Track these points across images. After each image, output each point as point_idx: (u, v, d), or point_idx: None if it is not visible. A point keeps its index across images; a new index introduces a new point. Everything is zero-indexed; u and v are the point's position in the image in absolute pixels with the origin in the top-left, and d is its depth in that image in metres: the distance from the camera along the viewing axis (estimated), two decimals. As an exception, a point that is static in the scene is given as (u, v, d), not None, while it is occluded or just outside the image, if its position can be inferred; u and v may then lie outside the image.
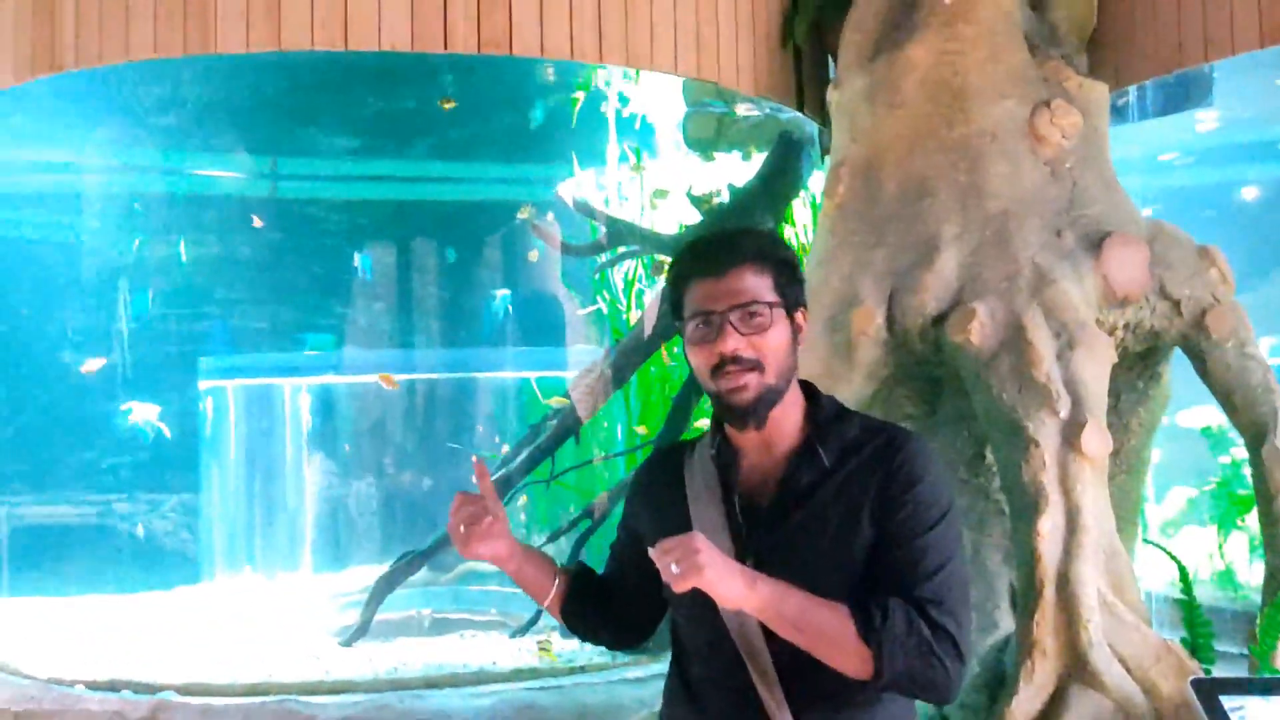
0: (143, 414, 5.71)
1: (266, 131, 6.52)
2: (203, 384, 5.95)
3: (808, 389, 2.17)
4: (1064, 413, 3.23)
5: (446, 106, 5.45)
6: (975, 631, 3.46)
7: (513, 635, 4.39)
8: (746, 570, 1.90)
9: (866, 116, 3.95)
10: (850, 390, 3.70)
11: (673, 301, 2.13)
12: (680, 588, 1.83)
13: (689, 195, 4.58)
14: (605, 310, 6.23)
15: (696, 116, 4.82)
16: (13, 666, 4.20)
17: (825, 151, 5.02)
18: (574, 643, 4.30)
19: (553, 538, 4.53)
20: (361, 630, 4.38)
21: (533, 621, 4.39)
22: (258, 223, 5.68)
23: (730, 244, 2.13)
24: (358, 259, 6.10)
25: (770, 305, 2.03)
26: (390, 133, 6.78)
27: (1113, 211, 3.77)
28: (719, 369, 2.01)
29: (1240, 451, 5.05)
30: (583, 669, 3.90)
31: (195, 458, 6.01)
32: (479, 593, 6.01)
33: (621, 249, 4.83)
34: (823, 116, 4.65)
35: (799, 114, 4.62)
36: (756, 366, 2.01)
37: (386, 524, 6.19)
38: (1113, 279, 3.61)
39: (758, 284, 2.03)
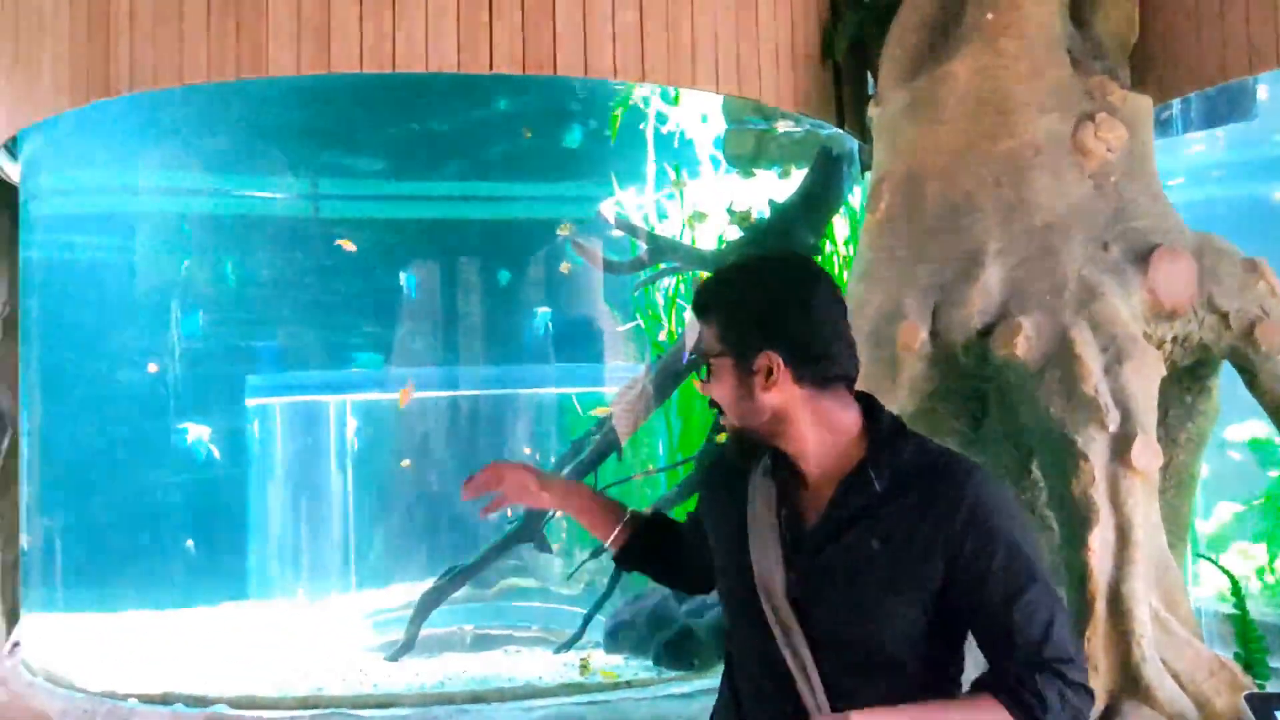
0: (197, 433, 5.79)
1: (309, 153, 6.61)
2: (250, 401, 6.03)
3: (867, 404, 2.13)
4: (1113, 426, 3.20)
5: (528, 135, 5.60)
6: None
7: (557, 650, 4.40)
8: None
9: (908, 132, 3.96)
10: (894, 406, 3.69)
11: None
12: None
13: (729, 211, 4.60)
14: (644, 327, 6.25)
15: (736, 133, 4.84)
16: (67, 680, 4.26)
17: (865, 168, 5.02)
18: (618, 658, 4.31)
19: (594, 554, 4.54)
20: (407, 645, 4.40)
21: (577, 637, 4.40)
22: (349, 246, 5.78)
23: (700, 290, 2.15)
24: (402, 278, 6.15)
25: (715, 356, 2.04)
26: (430, 153, 6.85)
27: (1159, 224, 3.75)
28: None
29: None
30: (628, 684, 3.90)
31: (243, 475, 6.08)
32: (521, 608, 6.02)
33: (662, 265, 4.84)
34: (862, 133, 4.66)
35: (839, 130, 4.62)
36: (723, 412, 2.06)
37: (428, 541, 6.22)
38: (1160, 292, 3.58)
39: (707, 335, 2.07)
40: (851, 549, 1.99)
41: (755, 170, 4.92)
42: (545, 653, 4.48)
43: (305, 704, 3.69)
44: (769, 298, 2.12)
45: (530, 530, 4.57)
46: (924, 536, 1.94)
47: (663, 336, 5.93)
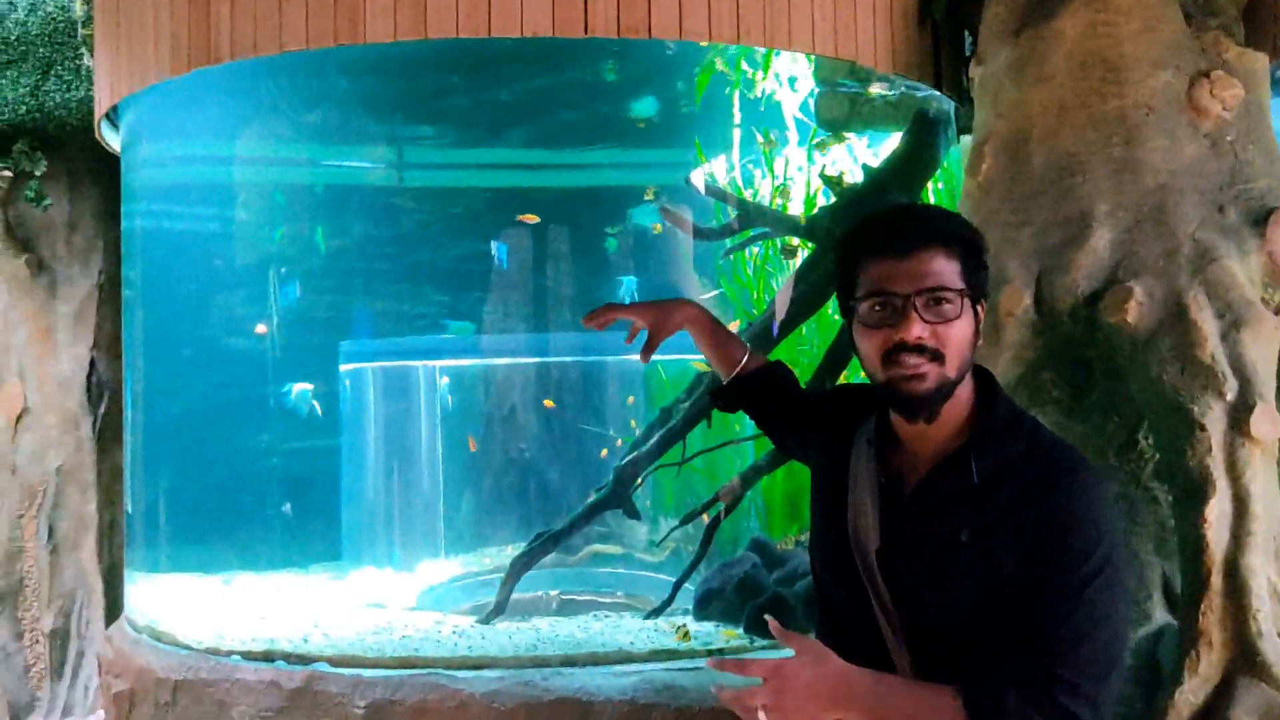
0: (300, 390, 5.90)
1: (398, 122, 6.66)
2: (343, 367, 6.11)
3: (986, 382, 2.05)
4: (1230, 395, 3.08)
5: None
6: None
7: (646, 616, 4.39)
8: (839, 687, 1.81)
9: (1012, 91, 3.83)
10: (996, 373, 3.57)
11: (843, 278, 2.04)
12: None
13: (821, 176, 4.50)
14: (729, 295, 6.19)
15: (828, 97, 4.73)
16: (171, 637, 4.37)
17: (962, 130, 4.88)
18: (708, 625, 4.29)
19: (685, 521, 4.52)
20: (499, 609, 4.44)
21: (667, 603, 4.39)
22: (530, 219, 5.86)
23: (919, 221, 2.01)
24: (493, 247, 6.18)
25: (959, 293, 1.91)
26: (516, 120, 6.85)
27: (1277, 186, 3.58)
28: (892, 355, 1.91)
29: None
30: (720, 651, 3.88)
31: (336, 440, 6.18)
32: (606, 575, 6.05)
33: (752, 232, 4.77)
34: (960, 94, 4.53)
35: (935, 92, 4.50)
36: (937, 357, 1.89)
37: (516, 507, 6.26)
38: (1277, 256, 3.42)
39: (947, 268, 1.91)
40: (939, 532, 1.94)
41: (847, 134, 4.81)
42: (635, 619, 4.48)
43: (403, 664, 3.74)
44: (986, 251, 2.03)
45: (619, 497, 4.57)
46: (1013, 530, 1.87)
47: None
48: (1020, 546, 1.86)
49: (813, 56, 4.53)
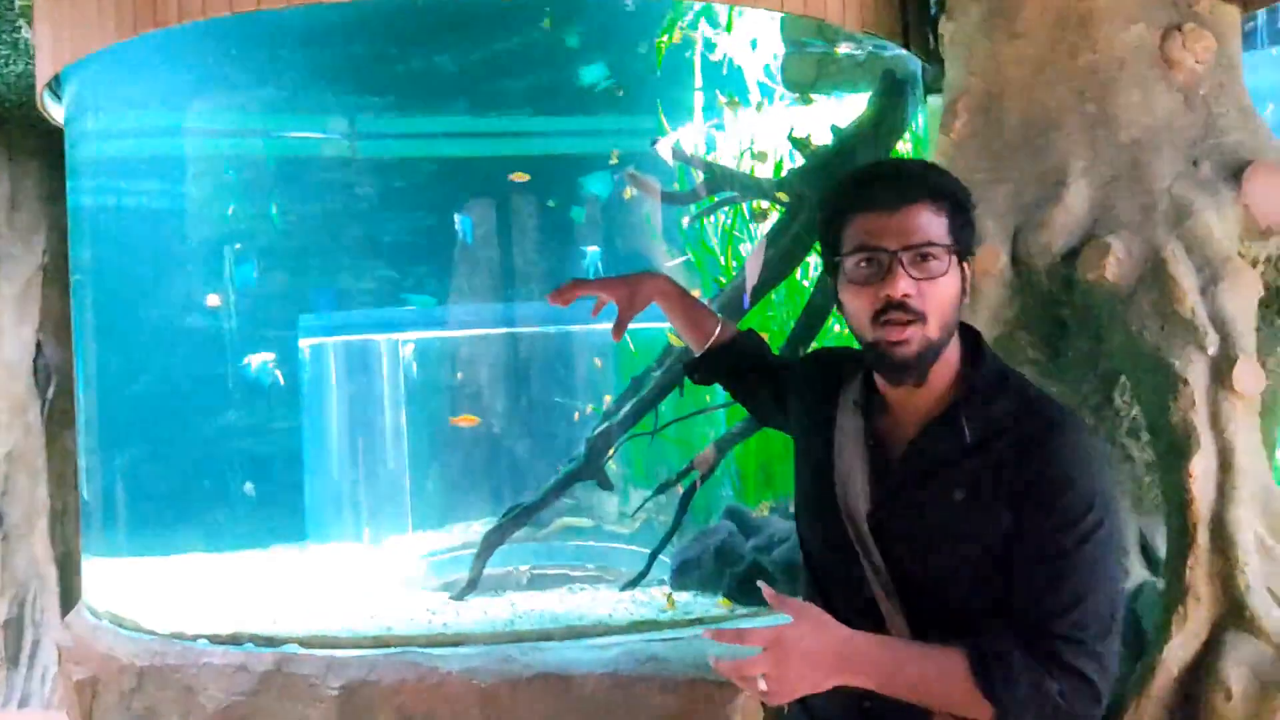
0: (260, 360, 5.74)
1: (352, 90, 6.49)
2: (302, 342, 5.96)
3: (972, 340, 2.01)
4: (1212, 349, 3.06)
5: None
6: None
7: (622, 588, 4.33)
8: (842, 653, 1.77)
9: (984, 47, 3.77)
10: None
11: (827, 235, 2.00)
12: (772, 702, 1.77)
13: (790, 138, 4.42)
14: (695, 262, 6.10)
15: (795, 57, 4.65)
16: (134, 622, 4.24)
17: (929, 91, 4.83)
18: (686, 595, 4.24)
19: (659, 491, 4.46)
20: (472, 585, 4.35)
21: (643, 574, 4.33)
22: (521, 177, 5.73)
23: (906, 175, 1.97)
24: (456, 220, 6.05)
25: (946, 249, 1.86)
26: (472, 87, 6.70)
27: (1251, 139, 3.56)
28: (881, 314, 1.86)
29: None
30: (700, 620, 3.83)
31: (297, 416, 6.04)
32: (577, 548, 5.97)
33: (720, 196, 4.69)
34: (926, 53, 4.46)
35: (902, 51, 4.43)
36: (920, 318, 1.84)
37: (483, 481, 6.17)
38: (1256, 209, 3.41)
39: (934, 224, 1.87)
40: (933, 493, 1.91)
41: (814, 96, 4.73)
42: (609, 591, 4.41)
43: (378, 643, 3.65)
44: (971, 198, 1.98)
45: (592, 468, 4.49)
46: (1005, 484, 1.85)
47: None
48: (1015, 503, 1.83)
49: (780, 15, 4.43)
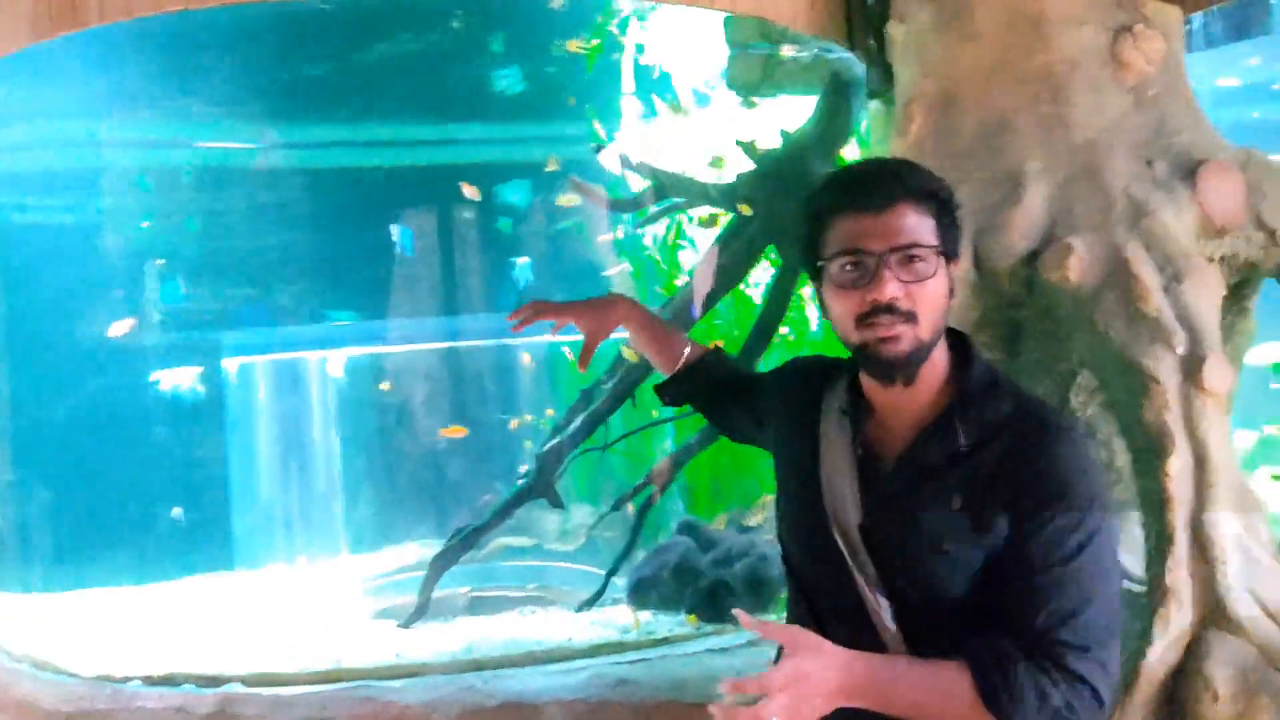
0: (175, 380, 5.46)
1: (271, 98, 6.26)
2: (226, 361, 5.70)
3: (960, 343, 1.95)
4: (1181, 348, 3.04)
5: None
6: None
7: (578, 609, 4.19)
8: (846, 676, 1.70)
9: (937, 49, 3.74)
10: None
11: (810, 236, 1.92)
12: None
13: (739, 143, 4.35)
14: (632, 271, 6.02)
15: (741, 59, 4.58)
16: (55, 665, 3.97)
17: (872, 94, 4.80)
18: (647, 614, 4.13)
19: (616, 506, 4.32)
20: (420, 611, 4.18)
21: (599, 594, 4.20)
22: (472, 192, 5.51)
23: (892, 175, 1.89)
24: (395, 231, 5.87)
25: (934, 250, 1.80)
26: (397, 94, 6.53)
27: (1201, 139, 3.58)
28: (868, 317, 1.80)
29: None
30: (666, 640, 3.72)
31: (224, 438, 5.77)
32: (515, 568, 5.83)
33: (668, 203, 4.59)
34: (869, 56, 4.43)
35: (847, 55, 4.38)
36: (910, 318, 1.78)
37: (421, 501, 5.98)
38: (1210, 208, 3.41)
39: (920, 225, 1.81)
40: (929, 500, 1.84)
41: (760, 99, 4.67)
42: (563, 612, 4.27)
43: (327, 678, 3.46)
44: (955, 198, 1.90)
45: (543, 486, 4.34)
46: (1002, 489, 1.79)
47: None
48: (1012, 508, 1.78)
49: (723, 17, 4.37)
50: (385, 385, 6.13)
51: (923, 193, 1.84)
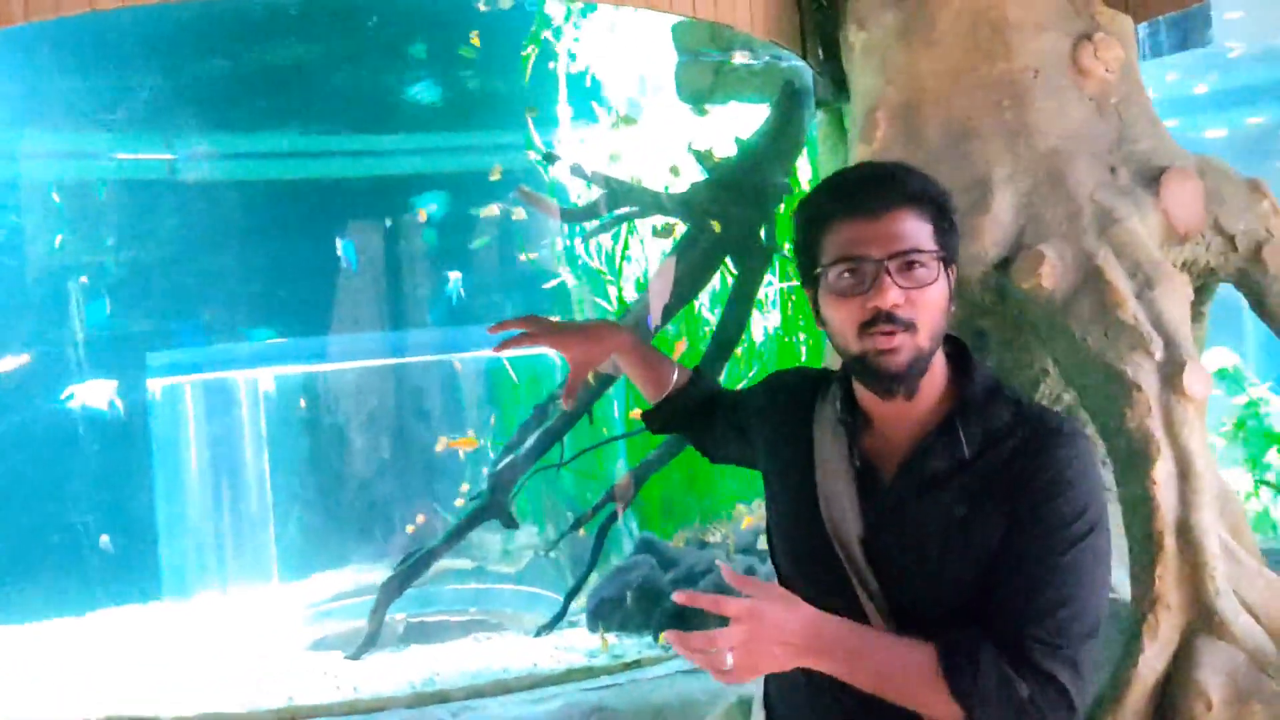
0: (89, 397, 5.15)
1: (195, 111, 6.02)
2: (153, 382, 5.41)
3: (957, 350, 1.92)
4: (1159, 354, 3.05)
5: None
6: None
7: (537, 634, 4.06)
8: (812, 631, 1.69)
9: (900, 55, 3.72)
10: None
11: (806, 243, 1.88)
12: (732, 680, 1.65)
13: (690, 150, 4.28)
14: (572, 284, 5.92)
15: (691, 66, 4.51)
16: (-27, 711, 3.69)
17: (819, 103, 4.78)
18: (611, 636, 4.01)
19: (575, 525, 4.20)
20: (370, 641, 3.99)
21: (559, 617, 4.07)
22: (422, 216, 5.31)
23: (889, 179, 1.85)
24: (339, 245, 5.66)
25: (933, 256, 1.76)
26: (322, 105, 6.33)
27: (1161, 146, 3.62)
28: (869, 326, 1.76)
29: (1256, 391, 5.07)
30: (637, 663, 3.60)
31: (151, 461, 5.47)
32: (453, 592, 5.65)
33: (619, 212, 4.49)
34: (819, 64, 4.41)
35: (798, 62, 4.36)
36: (910, 327, 1.74)
37: (353, 525, 5.76)
38: (1173, 215, 3.45)
39: (919, 230, 1.77)
40: (933, 510, 1.80)
41: (710, 106, 4.61)
42: (519, 637, 4.13)
43: (280, 717, 3.25)
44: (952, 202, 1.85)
45: (496, 506, 4.20)
46: (1003, 493, 1.77)
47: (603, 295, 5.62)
48: (1011, 511, 1.76)
49: (671, 23, 4.30)
50: (302, 403, 5.91)
51: (921, 197, 1.80)
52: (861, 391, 1.90)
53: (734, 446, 2.34)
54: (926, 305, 1.74)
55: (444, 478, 5.44)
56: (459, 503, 5.81)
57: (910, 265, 1.74)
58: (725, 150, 4.36)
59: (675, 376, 2.34)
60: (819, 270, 1.83)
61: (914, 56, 3.68)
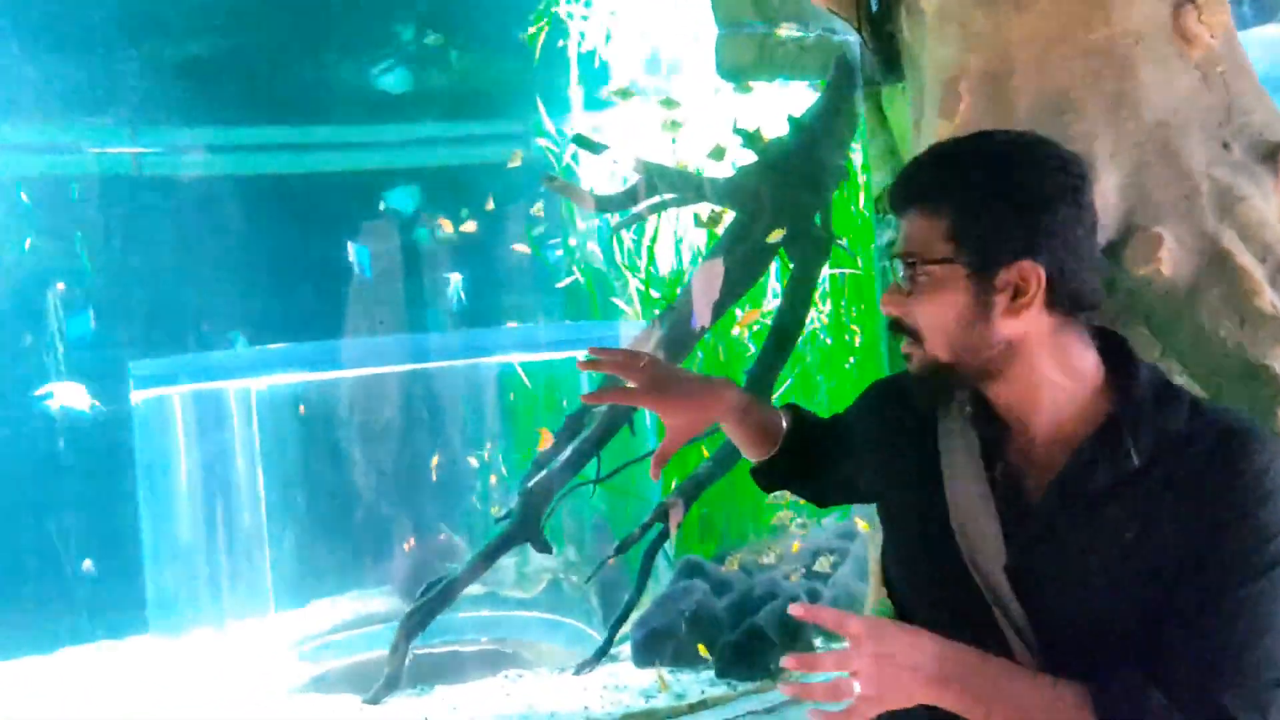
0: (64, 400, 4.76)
1: (146, 94, 5.66)
2: (137, 394, 5.01)
3: (1112, 344, 1.71)
4: (1304, 349, 2.75)
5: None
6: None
7: (577, 671, 3.69)
8: (944, 661, 1.53)
9: (983, 21, 3.41)
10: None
11: None
12: (861, 715, 1.50)
13: (736, 130, 3.96)
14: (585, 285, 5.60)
15: (732, 39, 4.18)
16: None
17: (869, 82, 4.48)
18: (653, 673, 3.65)
19: (621, 549, 3.83)
20: (392, 682, 3.61)
21: (604, 651, 3.71)
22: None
23: (912, 172, 1.74)
24: (351, 249, 5.32)
25: (933, 261, 1.62)
26: (316, 92, 5.98)
27: (1273, 120, 3.33)
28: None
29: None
30: (703, 704, 3.25)
31: (133, 481, 5.06)
32: (461, 620, 5.26)
33: (657, 200, 4.15)
34: (871, 39, 4.10)
35: (851, 36, 4.04)
36: (915, 336, 1.68)
37: (356, 548, 5.38)
38: (1294, 195, 3.16)
39: (927, 232, 1.64)
40: (1097, 534, 1.60)
41: (754, 83, 4.29)
42: (553, 675, 3.78)
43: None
44: (1039, 188, 1.63)
45: (528, 529, 3.83)
46: (1182, 510, 1.54)
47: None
48: (1194, 530, 1.54)
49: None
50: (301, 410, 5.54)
51: (932, 195, 1.65)
52: (998, 392, 1.69)
53: (848, 482, 2.09)
54: (926, 315, 1.64)
55: (459, 497, 5.08)
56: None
57: (913, 271, 1.65)
58: (774, 131, 4.04)
59: (784, 425, 2.08)
60: None
61: (1001, 22, 3.37)
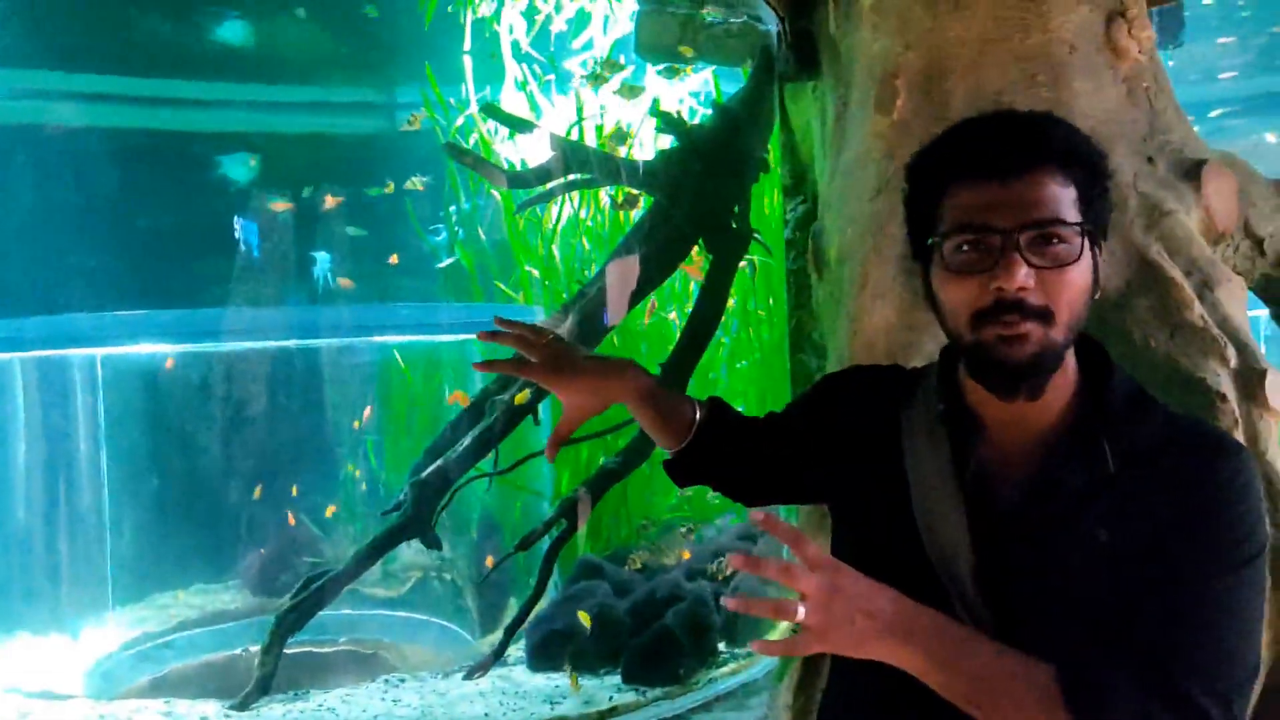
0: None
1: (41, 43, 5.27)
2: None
3: (1089, 346, 1.71)
4: (1234, 362, 2.88)
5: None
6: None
7: (469, 676, 3.57)
8: (902, 612, 1.51)
9: (923, 19, 3.47)
10: (936, 346, 3.23)
11: (919, 208, 1.67)
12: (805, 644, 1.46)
13: (654, 112, 3.90)
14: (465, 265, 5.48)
15: (654, 17, 4.12)
16: None
17: (782, 76, 4.49)
18: (547, 679, 3.57)
19: (524, 544, 3.71)
20: (262, 686, 3.41)
21: (499, 653, 3.60)
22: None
23: (1028, 130, 1.61)
24: (237, 224, 5.02)
25: (1077, 229, 1.54)
26: (175, 50, 5.67)
27: (1190, 139, 3.50)
28: (989, 312, 1.53)
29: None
30: (614, 710, 3.18)
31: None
32: (319, 618, 5.04)
33: (573, 179, 4.05)
34: (792, 33, 4.11)
35: (773, 29, 4.05)
36: (1044, 316, 1.53)
37: (208, 535, 5.09)
38: (1214, 212, 3.33)
39: (1061, 196, 1.55)
40: (1068, 537, 1.61)
41: (678, 67, 4.24)
42: (437, 680, 3.64)
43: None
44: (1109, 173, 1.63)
45: (420, 523, 3.68)
46: (1155, 516, 1.58)
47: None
48: (1164, 534, 1.57)
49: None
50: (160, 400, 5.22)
51: (1068, 155, 1.58)
52: (973, 390, 1.67)
53: (786, 481, 2.03)
54: (1065, 289, 1.53)
55: (322, 481, 4.86)
56: (330, 511, 5.27)
57: (1047, 240, 1.53)
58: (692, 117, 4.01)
59: (697, 413, 2.00)
60: (933, 241, 1.60)
61: (940, 22, 3.44)
